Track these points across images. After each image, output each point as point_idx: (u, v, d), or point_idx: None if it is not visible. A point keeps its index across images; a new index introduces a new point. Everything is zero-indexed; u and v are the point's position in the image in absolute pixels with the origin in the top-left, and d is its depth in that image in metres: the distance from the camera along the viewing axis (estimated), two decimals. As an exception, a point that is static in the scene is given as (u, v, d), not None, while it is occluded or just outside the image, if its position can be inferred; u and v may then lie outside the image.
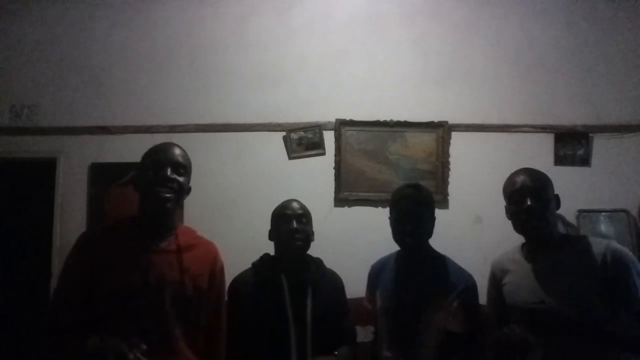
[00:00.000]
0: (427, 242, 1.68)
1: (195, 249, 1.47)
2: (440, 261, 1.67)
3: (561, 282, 1.41)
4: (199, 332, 1.43)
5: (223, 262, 1.56)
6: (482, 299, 1.71)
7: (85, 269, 1.32)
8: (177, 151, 1.46)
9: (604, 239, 1.52)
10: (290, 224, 1.65)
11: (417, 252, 1.66)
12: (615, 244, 1.43)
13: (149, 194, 1.39)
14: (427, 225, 1.64)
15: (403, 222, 1.62)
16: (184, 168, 1.44)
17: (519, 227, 1.50)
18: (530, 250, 1.55)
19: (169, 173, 1.38)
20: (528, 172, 1.51)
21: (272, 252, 1.76)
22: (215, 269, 1.51)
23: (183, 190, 1.44)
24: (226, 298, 1.58)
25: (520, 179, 1.49)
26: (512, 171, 1.57)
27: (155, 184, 1.38)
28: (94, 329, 1.27)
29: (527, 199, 1.44)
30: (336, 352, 1.60)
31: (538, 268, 1.49)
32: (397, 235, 1.66)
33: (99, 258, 1.33)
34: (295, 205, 1.72)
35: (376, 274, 1.79)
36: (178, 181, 1.40)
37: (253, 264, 1.74)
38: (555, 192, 1.51)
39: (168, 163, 1.41)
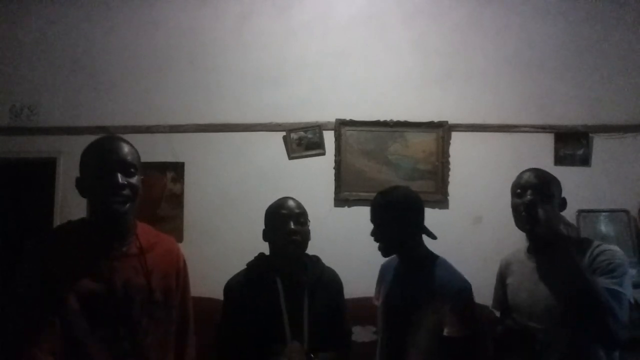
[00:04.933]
0: (414, 244, 1.61)
1: (157, 247, 1.36)
2: (433, 263, 1.60)
3: (559, 282, 1.42)
4: (171, 336, 1.35)
5: (184, 256, 1.46)
6: (482, 298, 1.72)
7: (42, 281, 1.17)
8: (124, 149, 1.25)
9: (603, 242, 1.51)
10: (288, 225, 1.56)
11: (392, 253, 1.65)
12: (605, 245, 1.44)
13: (101, 206, 1.21)
14: (398, 230, 1.57)
15: (373, 229, 1.64)
16: (134, 167, 1.25)
17: (518, 221, 1.51)
18: (533, 250, 1.56)
19: (120, 180, 1.19)
20: (534, 170, 1.54)
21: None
22: (179, 266, 1.41)
23: (138, 193, 1.26)
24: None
25: (526, 175, 1.53)
26: (512, 171, 1.60)
27: (107, 194, 1.19)
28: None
29: (528, 191, 1.47)
30: (312, 355, 1.52)
31: (540, 268, 1.50)
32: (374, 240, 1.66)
33: (57, 267, 1.18)
34: (291, 204, 1.62)
35: (383, 272, 1.80)
36: (132, 185, 1.23)
37: (247, 265, 1.69)
38: (562, 195, 1.52)
39: (117, 167, 1.21)
